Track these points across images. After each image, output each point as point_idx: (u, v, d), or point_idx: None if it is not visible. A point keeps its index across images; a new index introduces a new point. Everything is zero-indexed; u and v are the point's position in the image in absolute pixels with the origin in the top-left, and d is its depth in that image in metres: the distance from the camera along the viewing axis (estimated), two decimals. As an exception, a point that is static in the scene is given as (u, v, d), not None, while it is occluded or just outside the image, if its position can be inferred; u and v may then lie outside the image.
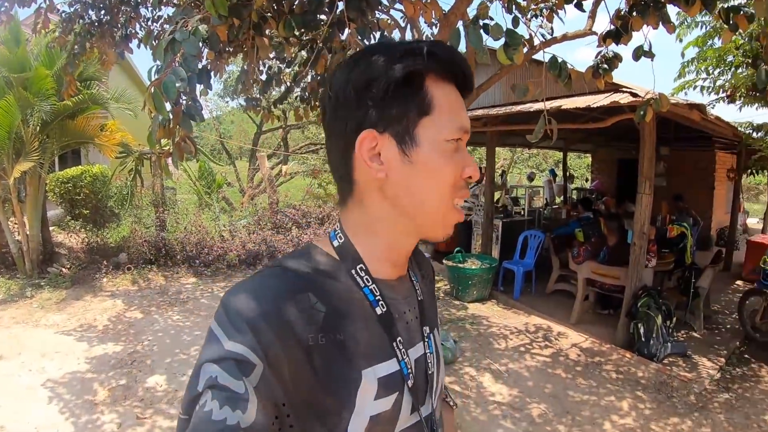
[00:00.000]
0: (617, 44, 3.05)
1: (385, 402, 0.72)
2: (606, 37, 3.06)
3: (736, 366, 5.16)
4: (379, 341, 0.75)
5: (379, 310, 0.76)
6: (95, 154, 9.97)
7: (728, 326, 6.34)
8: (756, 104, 6.46)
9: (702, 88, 6.55)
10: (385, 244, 0.79)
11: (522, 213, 9.78)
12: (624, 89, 5.16)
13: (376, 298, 0.76)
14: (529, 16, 3.84)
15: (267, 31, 3.42)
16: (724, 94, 6.43)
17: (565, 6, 3.57)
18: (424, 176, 0.73)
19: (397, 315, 0.79)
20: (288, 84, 4.80)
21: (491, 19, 2.55)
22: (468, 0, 3.35)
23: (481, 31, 2.38)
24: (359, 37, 3.03)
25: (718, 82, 6.34)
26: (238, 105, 14.33)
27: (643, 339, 5.19)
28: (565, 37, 4.04)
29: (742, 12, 2.43)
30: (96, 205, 9.30)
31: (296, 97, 5.07)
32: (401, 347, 0.77)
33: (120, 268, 7.69)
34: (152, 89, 1.91)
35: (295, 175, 16.47)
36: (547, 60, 2.81)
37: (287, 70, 4.77)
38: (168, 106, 2.02)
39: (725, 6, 2.53)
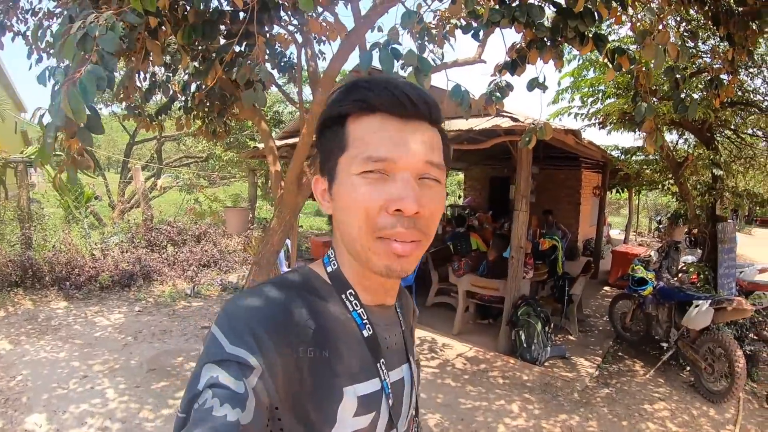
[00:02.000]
0: (512, 75, 3.25)
1: (363, 419, 0.75)
2: (502, 68, 3.25)
3: (612, 363, 5.68)
4: (362, 362, 0.78)
5: (366, 333, 0.80)
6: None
7: (600, 328, 6.96)
8: (622, 130, 7.21)
9: (576, 114, 7.16)
10: (355, 271, 0.82)
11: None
12: (504, 113, 5.47)
13: (364, 321, 0.81)
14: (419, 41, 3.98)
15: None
16: (596, 121, 7.07)
17: (463, 35, 3.74)
18: (342, 211, 0.76)
19: (380, 339, 0.83)
20: (174, 93, 4.58)
21: (400, 44, 2.66)
22: (369, 23, 3.42)
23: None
24: (267, 51, 3.01)
25: (592, 110, 6.98)
26: (110, 112, 13.38)
27: (524, 345, 5.50)
28: (455, 63, 4.17)
29: (626, 54, 2.74)
30: (-47, 218, 8.19)
31: (179, 107, 4.86)
32: (384, 368, 0.81)
33: (-19, 292, 6.79)
34: (67, 89, 1.72)
35: (168, 189, 15.74)
36: (449, 87, 2.93)
37: (175, 79, 4.57)
38: (87, 110, 1.84)
39: (611, 48, 2.82)
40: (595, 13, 2.70)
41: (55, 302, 6.91)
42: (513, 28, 2.78)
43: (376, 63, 2.62)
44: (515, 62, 3.15)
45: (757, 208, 7.45)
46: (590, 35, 2.75)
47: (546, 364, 5.46)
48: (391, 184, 0.72)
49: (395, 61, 2.48)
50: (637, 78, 2.87)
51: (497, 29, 3.03)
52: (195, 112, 4.68)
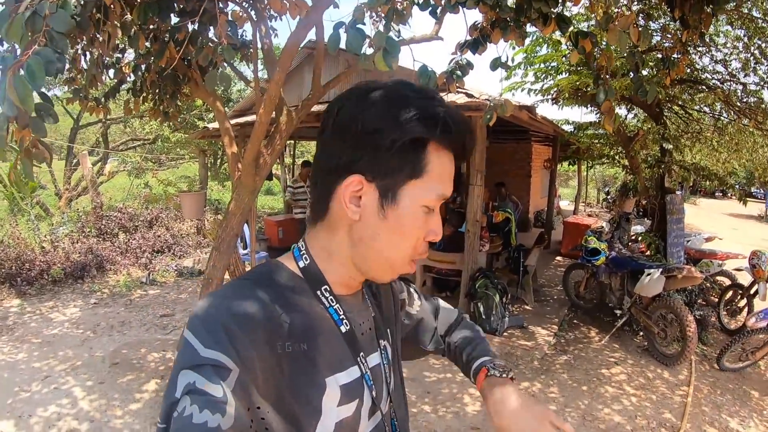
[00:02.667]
0: (474, 54, 3.26)
1: (347, 408, 0.78)
2: (464, 47, 3.26)
3: (568, 331, 5.93)
4: (341, 353, 0.80)
5: (343, 328, 0.81)
6: None
7: (555, 297, 7.21)
8: (574, 105, 7.38)
9: (529, 90, 7.29)
10: (343, 270, 0.82)
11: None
12: (459, 90, 5.50)
13: (341, 317, 0.81)
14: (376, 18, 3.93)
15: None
16: (549, 96, 7.21)
17: (421, 12, 3.72)
18: (391, 233, 0.76)
19: (355, 328, 0.84)
20: (123, 75, 4.38)
21: (364, 24, 2.62)
22: (329, 0, 3.35)
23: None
24: (228, 29, 2.90)
25: (545, 86, 7.12)
26: (52, 95, 12.67)
27: (483, 316, 5.63)
28: (413, 40, 4.15)
29: (589, 37, 2.78)
30: None
31: (127, 89, 4.66)
32: (364, 361, 0.83)
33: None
34: (12, 74, 1.58)
35: (116, 173, 15.19)
36: (415, 67, 2.91)
37: (124, 60, 4.36)
38: (36, 97, 1.71)
39: (575, 30, 2.86)
40: (558, -5, 2.74)
41: (8, 300, 6.58)
42: (477, 8, 2.79)
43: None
44: (477, 41, 3.16)
45: (706, 181, 7.77)
46: (553, 16, 2.79)
47: (505, 334, 5.62)
48: (432, 218, 0.79)
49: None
50: (598, 66, 2.92)
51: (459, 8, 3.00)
52: (145, 94, 4.50)
